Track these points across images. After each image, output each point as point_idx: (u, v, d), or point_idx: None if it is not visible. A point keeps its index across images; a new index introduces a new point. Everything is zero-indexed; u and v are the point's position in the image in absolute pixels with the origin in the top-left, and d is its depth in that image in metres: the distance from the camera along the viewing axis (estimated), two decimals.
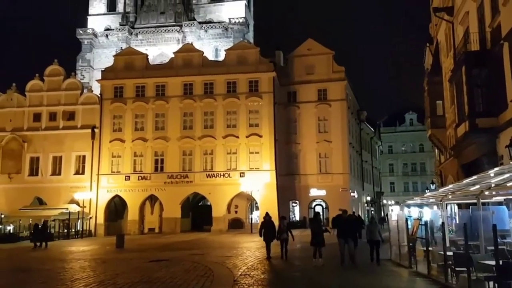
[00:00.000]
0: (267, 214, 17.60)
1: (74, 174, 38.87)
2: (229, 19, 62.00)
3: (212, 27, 62.92)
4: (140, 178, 37.99)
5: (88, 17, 66.09)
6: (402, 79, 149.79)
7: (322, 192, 39.05)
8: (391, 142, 73.71)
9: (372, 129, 56.54)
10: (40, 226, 27.38)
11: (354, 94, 46.63)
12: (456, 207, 17.13)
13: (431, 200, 14.49)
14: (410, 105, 72.69)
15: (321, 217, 16.59)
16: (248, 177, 36.45)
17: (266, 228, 16.61)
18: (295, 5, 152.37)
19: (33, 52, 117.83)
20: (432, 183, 38.33)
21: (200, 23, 62.82)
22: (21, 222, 33.43)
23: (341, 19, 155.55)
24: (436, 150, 29.27)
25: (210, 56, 53.23)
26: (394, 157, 74.30)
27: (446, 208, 13.59)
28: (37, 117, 39.92)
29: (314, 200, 39.95)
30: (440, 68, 23.27)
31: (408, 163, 73.97)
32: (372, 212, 51.81)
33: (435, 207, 15.30)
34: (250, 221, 36.73)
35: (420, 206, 16.78)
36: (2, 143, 39.42)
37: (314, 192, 39.25)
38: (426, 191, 29.82)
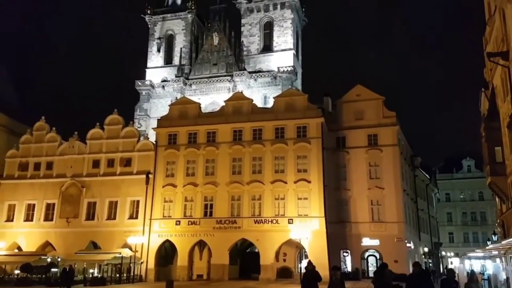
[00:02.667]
0: (309, 263, 14.44)
1: (128, 218, 39.89)
2: (278, 68, 63.71)
3: (261, 76, 64.81)
4: (190, 223, 38.42)
5: (147, 69, 70.58)
6: (457, 124, 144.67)
7: (375, 242, 37.39)
8: (449, 189, 70.31)
9: (427, 175, 54.26)
10: (67, 270, 28.46)
11: (407, 139, 45.44)
12: None
13: (494, 252, 13.54)
14: (466, 150, 69.57)
15: (388, 268, 13.43)
16: (297, 224, 35.80)
17: (306, 283, 13.39)
18: (343, 51, 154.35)
19: (95, 102, 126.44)
20: (494, 234, 35.75)
21: (250, 72, 65.01)
22: (76, 265, 34.48)
23: (394, 64, 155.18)
24: (496, 198, 27.56)
25: (259, 103, 54.47)
26: (452, 205, 70.54)
27: (511, 262, 12.61)
28: (96, 163, 41.81)
29: (367, 250, 38.27)
30: (497, 113, 22.37)
31: (468, 212, 69.84)
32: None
33: (498, 260, 14.24)
34: (299, 271, 35.67)
35: (482, 258, 15.68)
36: (62, 189, 41.49)
37: (366, 241, 37.67)
38: (488, 242, 27.86)
